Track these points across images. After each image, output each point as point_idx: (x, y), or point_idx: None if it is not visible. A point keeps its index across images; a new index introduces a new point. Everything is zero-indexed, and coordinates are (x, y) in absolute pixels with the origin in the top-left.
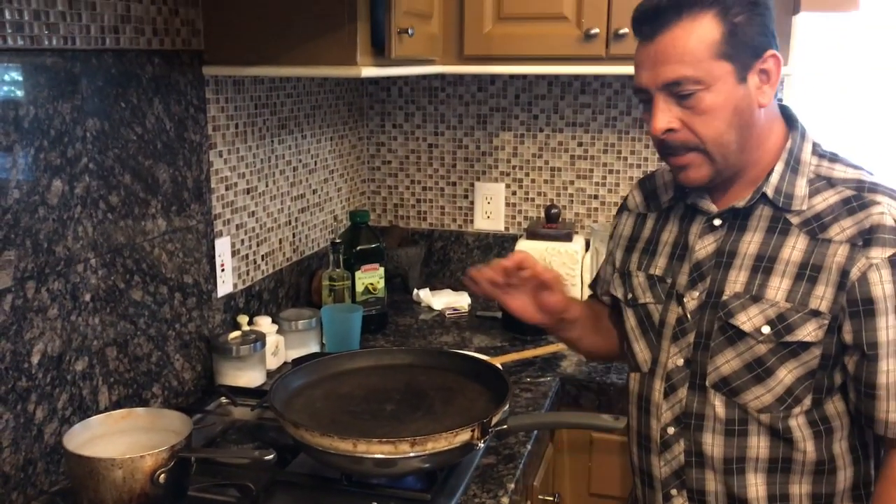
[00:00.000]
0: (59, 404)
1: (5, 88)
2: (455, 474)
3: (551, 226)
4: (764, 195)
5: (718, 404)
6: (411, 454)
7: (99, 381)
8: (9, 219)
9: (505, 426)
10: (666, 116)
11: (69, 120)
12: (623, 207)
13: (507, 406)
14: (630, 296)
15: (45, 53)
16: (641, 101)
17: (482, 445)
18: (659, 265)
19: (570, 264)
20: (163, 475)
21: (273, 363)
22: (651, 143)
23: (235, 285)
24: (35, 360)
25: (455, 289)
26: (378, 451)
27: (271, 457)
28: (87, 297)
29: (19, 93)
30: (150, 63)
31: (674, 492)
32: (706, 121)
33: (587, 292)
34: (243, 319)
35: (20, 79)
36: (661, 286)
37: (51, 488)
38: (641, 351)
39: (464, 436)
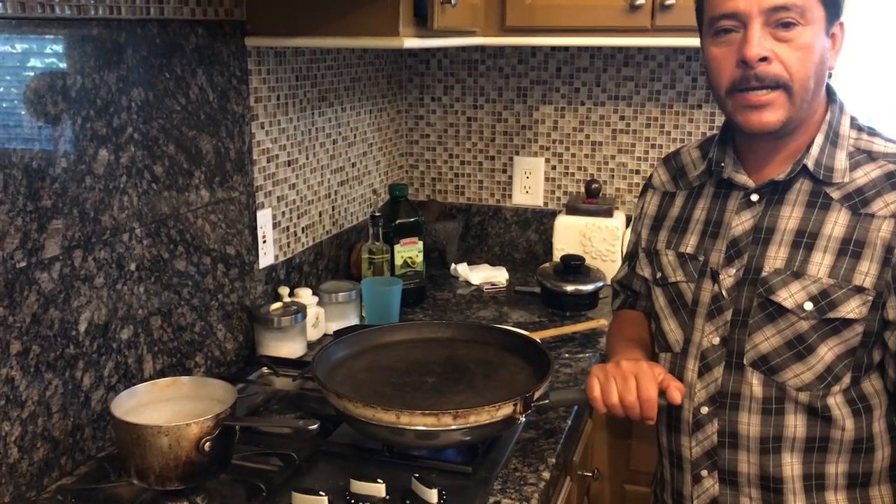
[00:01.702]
0: (105, 372)
1: (53, 58)
2: (496, 448)
3: (591, 201)
4: (804, 168)
5: (756, 383)
6: (453, 427)
7: (143, 350)
8: (56, 188)
9: (546, 401)
10: (762, 44)
11: (115, 90)
12: (647, 186)
13: (549, 381)
14: (659, 275)
15: (91, 23)
16: (721, 31)
17: (523, 420)
18: (690, 243)
19: (611, 240)
20: (208, 443)
21: (313, 335)
22: (694, 118)
23: (276, 257)
24: (82, 327)
25: (493, 263)
26: (421, 423)
27: (315, 427)
28: (133, 267)
29: (66, 63)
30: (194, 33)
31: (704, 472)
32: (801, 57)
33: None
34: (284, 291)
35: (67, 49)
36: (693, 264)
37: (98, 454)
38: (672, 330)
39: (506, 409)
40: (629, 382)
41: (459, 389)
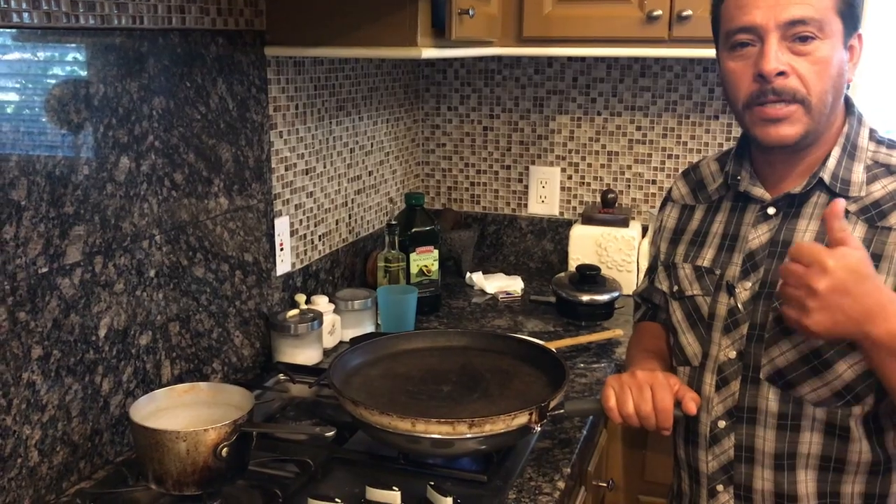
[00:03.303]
0: (124, 377)
1: (76, 67)
2: (511, 457)
3: (607, 211)
4: (820, 181)
5: (772, 398)
6: (469, 435)
7: (162, 356)
8: (79, 195)
9: (562, 410)
10: (779, 58)
11: (136, 98)
12: (667, 199)
13: (564, 390)
14: (676, 288)
15: (114, 33)
16: (738, 45)
17: (538, 429)
18: (707, 256)
19: (627, 250)
20: (225, 449)
21: (329, 342)
22: (710, 128)
23: (293, 264)
24: (102, 333)
25: (508, 273)
26: (436, 431)
27: (332, 433)
28: (152, 273)
29: (90, 72)
30: (214, 43)
31: (720, 487)
32: (818, 71)
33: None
34: (301, 298)
35: (91, 58)
36: (710, 277)
37: (116, 458)
38: (690, 344)
39: (521, 419)
40: (644, 392)
41: (475, 398)
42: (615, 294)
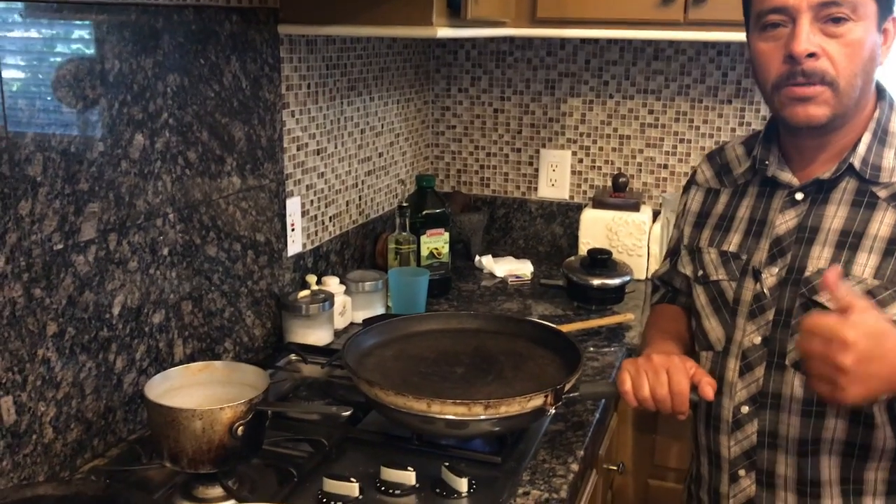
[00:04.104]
0: (137, 355)
1: (92, 43)
2: (524, 439)
3: (618, 195)
4: (850, 166)
5: (798, 384)
6: (483, 417)
7: (175, 335)
8: (93, 172)
9: (576, 393)
10: (811, 39)
11: (151, 75)
12: (691, 182)
13: (579, 373)
14: (701, 273)
15: (129, 8)
16: (769, 25)
17: (553, 412)
18: (733, 241)
19: (638, 235)
20: (241, 427)
21: (340, 323)
22: (723, 113)
23: (304, 245)
24: (116, 311)
25: (517, 256)
26: (451, 412)
27: (348, 413)
28: (165, 252)
29: (105, 48)
30: (228, 20)
31: (742, 472)
32: (849, 54)
33: (654, 265)
34: (312, 279)
35: (106, 34)
36: (736, 263)
37: (129, 436)
38: (714, 329)
39: (537, 401)
40: (660, 376)
41: (488, 380)
42: (626, 278)
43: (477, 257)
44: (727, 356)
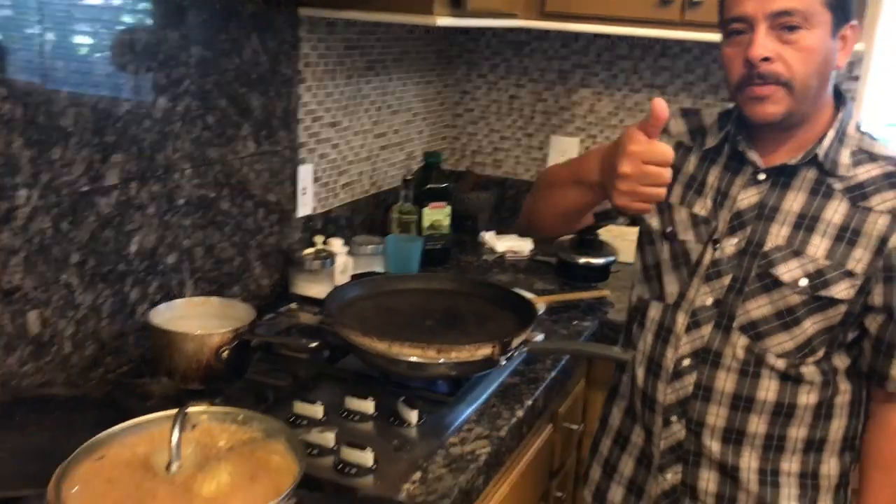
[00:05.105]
0: (150, 290)
1: (123, 16)
2: (479, 387)
3: None
4: (815, 157)
5: (740, 346)
6: (440, 360)
7: (186, 276)
8: (119, 127)
9: (525, 348)
10: (766, 45)
11: (175, 46)
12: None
13: (530, 331)
14: (670, 229)
15: None
16: (733, 32)
17: (504, 362)
18: (706, 206)
19: None
20: (226, 352)
21: (340, 280)
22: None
23: (314, 209)
24: (133, 248)
25: (522, 235)
26: (409, 353)
27: (315, 344)
28: (181, 202)
29: (135, 20)
30: (251, 0)
31: (674, 419)
32: (802, 58)
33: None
34: (318, 239)
35: (137, 7)
36: (705, 227)
37: (137, 358)
38: (670, 283)
39: (485, 350)
40: (643, 173)
41: (452, 333)
42: (611, 258)
43: (481, 233)
44: (678, 310)
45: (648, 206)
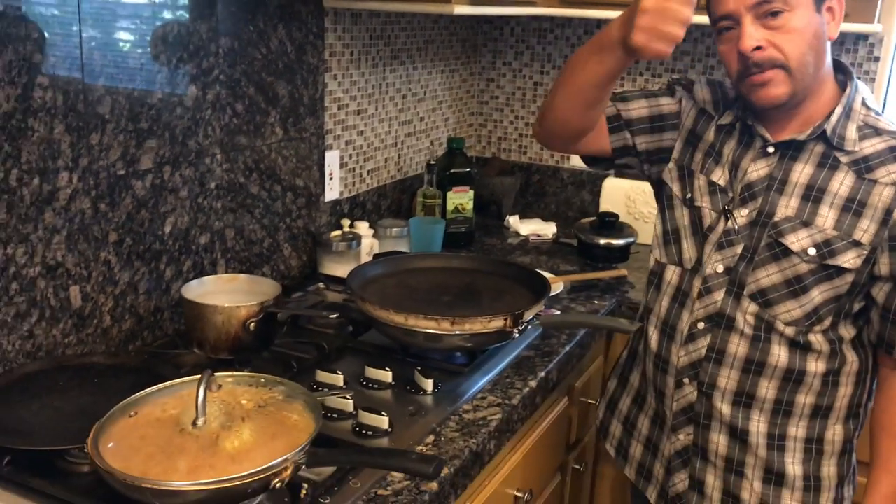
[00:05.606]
0: (183, 268)
1: (155, 9)
2: (495, 359)
3: None
4: (823, 132)
5: (750, 313)
6: (455, 332)
7: (218, 255)
8: (153, 114)
9: (537, 321)
10: (754, 35)
11: (205, 38)
12: (689, 90)
13: (542, 305)
14: (689, 195)
15: None
16: (723, 30)
17: (517, 335)
18: (723, 176)
19: (653, 203)
20: (253, 324)
21: (366, 261)
22: None
23: (342, 193)
24: (167, 229)
25: (546, 219)
26: (425, 325)
27: (335, 315)
28: (213, 185)
29: (166, 13)
30: None
31: (686, 380)
32: (791, 39)
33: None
34: (345, 222)
35: (168, 3)
36: (722, 196)
37: (172, 332)
38: (689, 249)
39: (497, 322)
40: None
41: (468, 308)
42: (631, 239)
43: (506, 217)
44: (694, 275)
45: (667, 49)
